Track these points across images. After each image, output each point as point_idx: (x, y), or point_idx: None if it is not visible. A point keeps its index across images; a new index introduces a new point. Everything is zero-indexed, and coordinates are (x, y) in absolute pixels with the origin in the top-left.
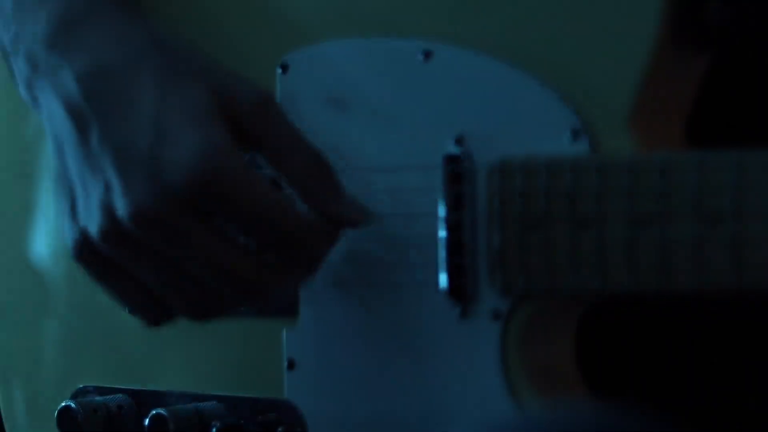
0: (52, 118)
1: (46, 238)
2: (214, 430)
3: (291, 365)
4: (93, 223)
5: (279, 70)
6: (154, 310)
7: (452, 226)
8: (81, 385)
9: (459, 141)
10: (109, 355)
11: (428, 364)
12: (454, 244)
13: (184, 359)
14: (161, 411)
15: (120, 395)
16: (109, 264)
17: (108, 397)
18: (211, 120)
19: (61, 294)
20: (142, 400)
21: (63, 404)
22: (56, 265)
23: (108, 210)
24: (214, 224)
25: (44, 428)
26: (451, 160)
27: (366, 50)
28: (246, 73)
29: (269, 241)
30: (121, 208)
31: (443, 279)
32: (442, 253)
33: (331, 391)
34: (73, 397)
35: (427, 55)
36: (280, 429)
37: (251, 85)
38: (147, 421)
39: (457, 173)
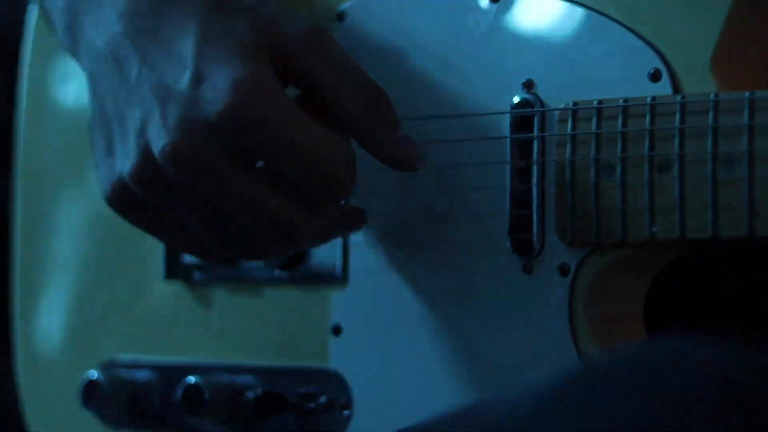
0: (91, 55)
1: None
2: (251, 398)
3: (337, 331)
4: (128, 163)
5: (336, 20)
6: (196, 250)
7: (519, 176)
8: (108, 358)
9: (528, 86)
10: (139, 326)
11: (490, 323)
12: (520, 195)
13: (219, 329)
14: (195, 379)
15: (148, 370)
16: (143, 206)
17: (135, 370)
18: (253, 54)
19: (92, 264)
20: (174, 373)
21: (88, 375)
22: (89, 235)
23: (144, 149)
24: (252, 165)
25: (65, 402)
26: (519, 106)
27: None
28: None
29: (309, 182)
30: (156, 143)
31: (508, 233)
32: (508, 205)
33: (380, 357)
34: (100, 369)
35: None
36: (323, 399)
37: (302, 21)
38: (180, 391)
39: (525, 119)
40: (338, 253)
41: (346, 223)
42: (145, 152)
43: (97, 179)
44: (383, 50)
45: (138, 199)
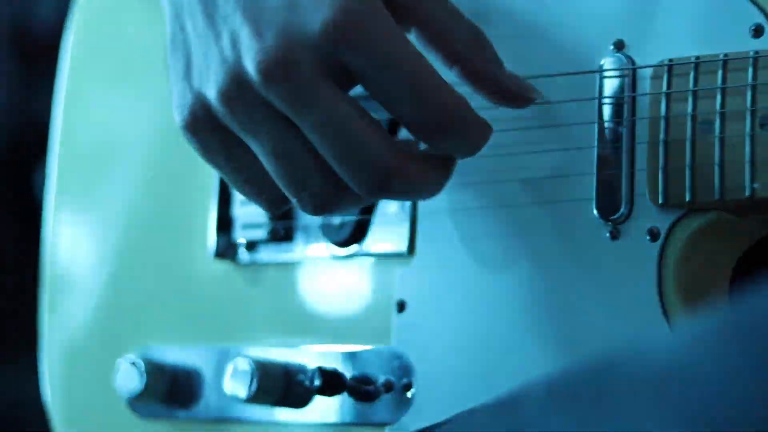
0: None
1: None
2: (306, 382)
3: (401, 307)
4: (212, 83)
5: None
6: (271, 191)
7: (608, 136)
8: (151, 344)
9: (618, 46)
10: (184, 310)
11: (573, 294)
12: (608, 156)
13: (271, 310)
14: (245, 360)
15: (193, 354)
16: (224, 133)
17: (178, 354)
18: None
19: (132, 247)
20: (221, 357)
21: (125, 359)
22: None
23: (233, 66)
24: (349, 89)
25: (100, 395)
26: (610, 66)
27: None
28: None
29: (412, 114)
30: (249, 59)
31: (595, 196)
32: (594, 167)
33: (446, 336)
34: (138, 354)
35: None
36: (382, 380)
37: None
38: (229, 373)
39: (616, 79)
40: (406, 223)
41: (443, 171)
42: (234, 68)
43: (174, 104)
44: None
45: (216, 125)
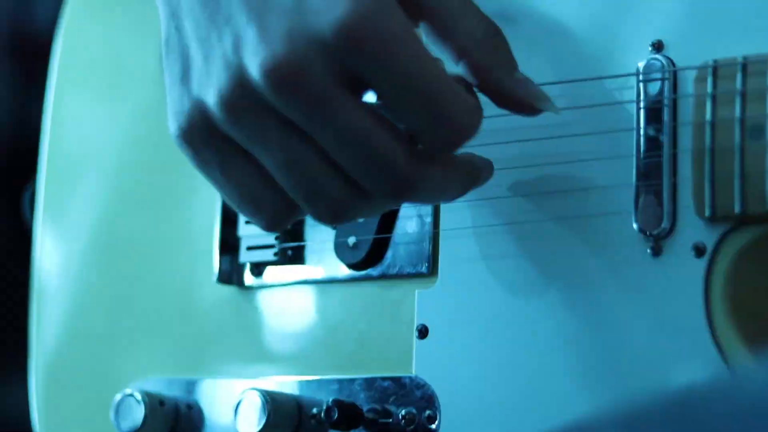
0: None
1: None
2: (319, 413)
3: (423, 333)
4: (213, 89)
5: None
6: (273, 206)
7: (649, 143)
8: (151, 377)
9: (657, 47)
10: (184, 338)
11: (612, 317)
12: (650, 166)
13: (278, 338)
14: (255, 393)
15: (194, 385)
16: (222, 143)
17: (179, 387)
18: None
19: (134, 271)
20: (226, 388)
21: (124, 393)
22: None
23: (236, 69)
24: (360, 94)
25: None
26: (648, 68)
27: None
28: None
29: (426, 123)
30: (254, 62)
31: (635, 209)
32: (633, 178)
33: (472, 363)
34: (139, 387)
35: None
36: (403, 412)
37: None
38: (239, 407)
39: (656, 81)
40: (426, 243)
41: (466, 175)
42: (237, 73)
43: (170, 110)
44: (493, 13)
45: (215, 134)
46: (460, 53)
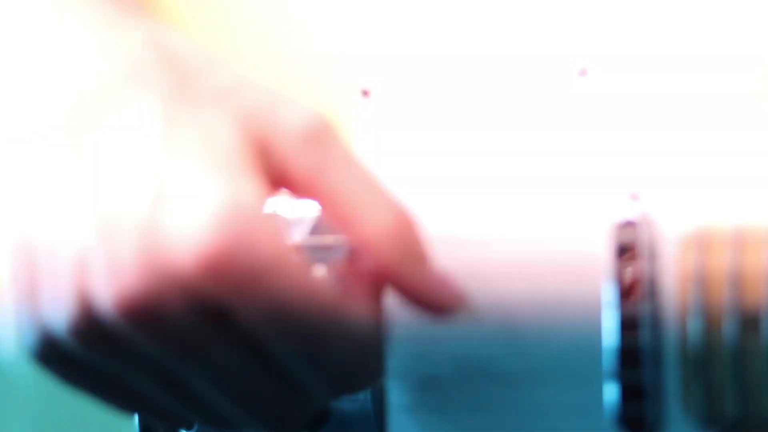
0: (9, 182)
1: None
2: None
3: None
4: (61, 312)
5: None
6: (156, 414)
7: (626, 322)
8: None
9: (635, 198)
10: None
11: None
12: (628, 352)
13: None
14: None
15: None
16: (87, 368)
17: None
18: (235, 162)
19: None
20: None
21: None
22: None
23: (83, 294)
24: (233, 326)
25: None
26: (624, 227)
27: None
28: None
29: (314, 353)
30: (101, 292)
31: (612, 402)
32: (614, 365)
33: None
34: None
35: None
36: None
37: (297, 107)
38: None
39: (631, 244)
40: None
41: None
42: (84, 299)
43: (18, 324)
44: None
45: (75, 360)
46: (362, 245)
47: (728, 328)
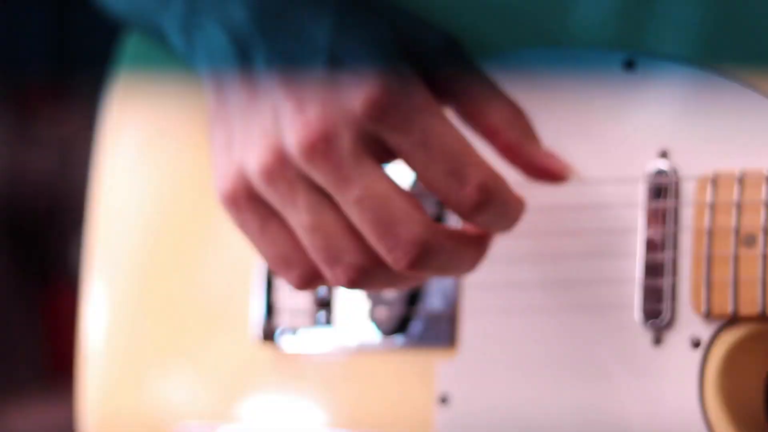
0: (211, 50)
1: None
2: None
3: (444, 400)
4: (253, 157)
5: None
6: (301, 267)
7: (652, 244)
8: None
9: (663, 155)
10: (221, 393)
11: (615, 396)
12: (653, 264)
13: (309, 400)
14: None
15: None
16: (261, 206)
17: None
18: (393, 51)
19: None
20: None
21: None
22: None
23: (274, 140)
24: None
25: None
26: (655, 175)
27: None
28: None
29: (448, 193)
30: (291, 134)
31: (639, 302)
32: (639, 274)
33: (492, 430)
34: None
35: (629, 64)
36: None
37: (439, 30)
38: None
39: (660, 187)
40: (449, 318)
41: (479, 250)
42: (275, 144)
43: (214, 175)
44: None
45: (254, 197)
46: (491, 134)
47: (732, 243)
